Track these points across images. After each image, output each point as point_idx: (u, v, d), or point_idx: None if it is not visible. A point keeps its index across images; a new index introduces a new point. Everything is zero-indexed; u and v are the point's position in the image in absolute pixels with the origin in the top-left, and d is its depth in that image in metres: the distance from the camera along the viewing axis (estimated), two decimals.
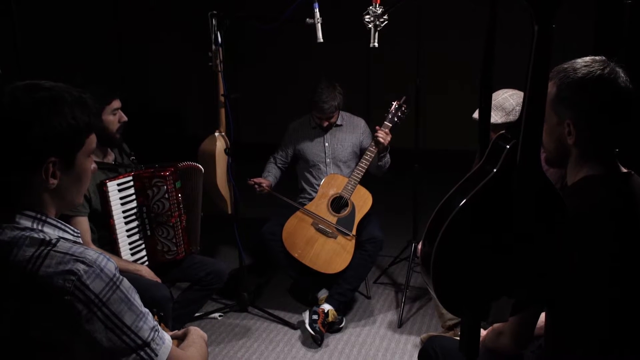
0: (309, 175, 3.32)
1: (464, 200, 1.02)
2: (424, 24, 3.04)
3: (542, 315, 1.52)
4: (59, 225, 1.21)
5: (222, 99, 2.95)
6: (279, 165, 3.40)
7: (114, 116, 2.37)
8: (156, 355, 1.18)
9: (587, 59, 1.38)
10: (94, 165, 1.32)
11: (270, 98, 6.45)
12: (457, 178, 2.27)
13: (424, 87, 3.11)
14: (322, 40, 2.37)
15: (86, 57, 5.70)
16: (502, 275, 1.08)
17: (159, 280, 2.44)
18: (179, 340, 1.59)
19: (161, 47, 6.37)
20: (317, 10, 2.36)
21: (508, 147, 1.03)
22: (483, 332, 1.81)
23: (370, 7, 1.84)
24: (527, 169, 1.00)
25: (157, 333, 1.21)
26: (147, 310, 1.22)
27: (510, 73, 2.36)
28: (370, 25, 1.86)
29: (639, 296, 1.36)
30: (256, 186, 3.15)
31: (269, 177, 3.30)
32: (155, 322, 1.24)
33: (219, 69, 2.90)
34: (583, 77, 1.33)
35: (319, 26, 2.38)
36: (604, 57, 1.37)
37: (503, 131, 1.07)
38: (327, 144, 3.29)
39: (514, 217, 1.03)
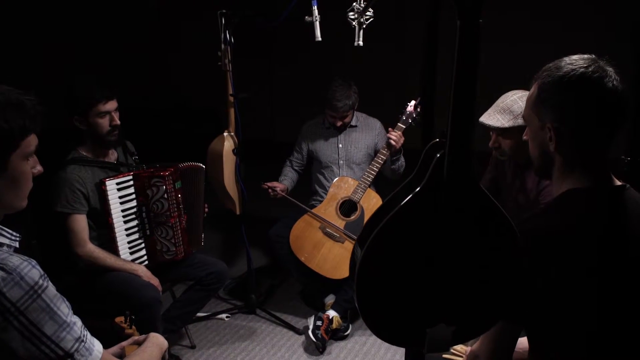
0: (321, 177, 3.24)
1: (386, 219, 0.91)
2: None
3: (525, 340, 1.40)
4: None
5: (230, 98, 2.92)
6: (296, 167, 3.34)
7: (102, 119, 2.33)
8: None
9: (575, 56, 1.23)
10: (38, 168, 1.30)
11: (306, 98, 6.42)
12: None
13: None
14: (320, 39, 2.29)
15: (117, 53, 5.84)
16: (433, 299, 0.97)
17: (156, 280, 2.43)
18: (140, 345, 1.57)
19: (196, 45, 6.47)
20: (315, 8, 2.28)
21: (437, 156, 0.91)
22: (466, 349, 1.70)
23: (355, 4, 1.73)
24: (456, 184, 0.89)
25: (82, 344, 1.17)
26: (74, 320, 1.18)
27: (517, 73, 2.19)
28: (354, 23, 1.75)
29: (618, 324, 1.20)
30: (270, 190, 3.09)
31: (284, 181, 3.23)
32: (84, 333, 1.20)
33: (228, 68, 2.86)
34: (564, 75, 1.19)
35: (317, 24, 2.29)
36: (593, 56, 1.22)
37: (437, 140, 0.96)
38: (340, 145, 3.20)
39: (443, 237, 0.92)
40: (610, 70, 1.19)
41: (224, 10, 2.80)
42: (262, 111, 6.65)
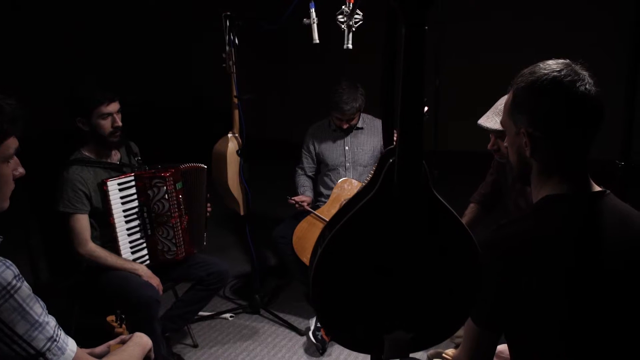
0: (327, 180, 3.24)
1: (340, 224, 0.91)
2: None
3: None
4: None
5: (235, 100, 2.94)
6: (309, 174, 3.33)
7: (105, 120, 2.38)
8: None
9: (550, 61, 1.22)
10: (20, 170, 1.33)
11: (323, 99, 6.43)
12: (475, 181, 2.07)
13: (443, 89, 2.93)
14: (317, 41, 2.29)
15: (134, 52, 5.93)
16: (390, 305, 0.96)
17: (156, 279, 2.47)
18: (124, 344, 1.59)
19: (213, 46, 6.57)
20: (313, 10, 2.28)
21: (390, 161, 0.90)
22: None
23: (344, 7, 1.73)
24: (406, 189, 0.88)
25: (55, 343, 1.20)
26: (47, 320, 1.21)
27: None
28: (343, 26, 1.75)
29: (595, 329, 1.18)
30: (297, 205, 3.08)
31: (307, 192, 3.22)
32: (57, 333, 1.22)
33: (232, 70, 2.89)
34: (536, 80, 1.18)
35: (314, 27, 2.30)
36: (567, 60, 1.21)
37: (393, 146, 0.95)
38: (347, 148, 3.20)
39: (396, 242, 0.91)
40: (584, 74, 1.17)
41: (227, 13, 2.82)
42: (279, 112, 6.67)
